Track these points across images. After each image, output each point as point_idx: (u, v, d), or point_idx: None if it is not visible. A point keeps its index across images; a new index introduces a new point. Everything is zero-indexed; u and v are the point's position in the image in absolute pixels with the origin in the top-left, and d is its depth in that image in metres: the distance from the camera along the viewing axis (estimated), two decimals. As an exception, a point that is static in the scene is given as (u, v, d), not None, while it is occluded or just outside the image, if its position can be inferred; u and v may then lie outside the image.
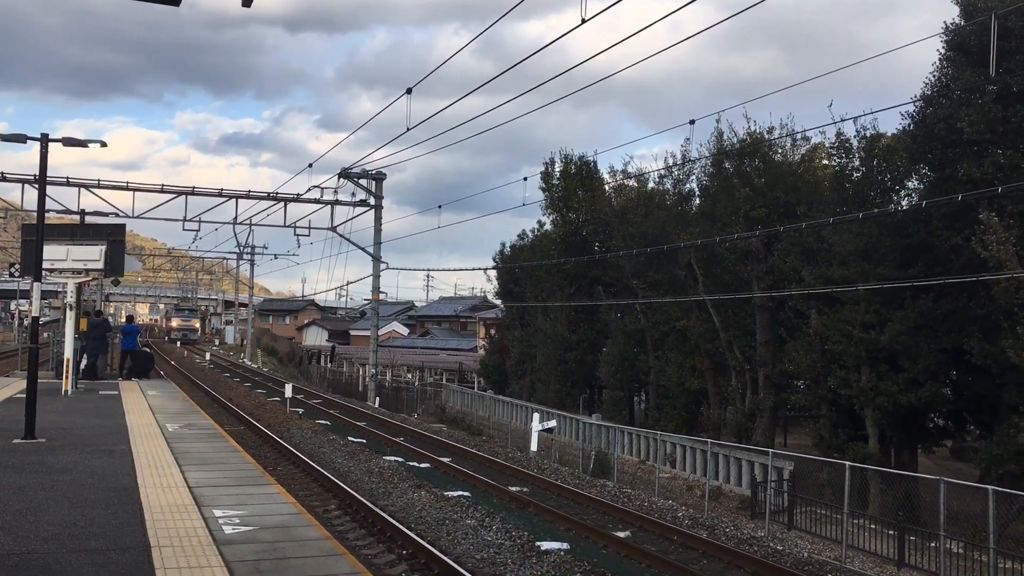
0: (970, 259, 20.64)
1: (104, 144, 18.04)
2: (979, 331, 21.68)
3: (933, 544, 14.89)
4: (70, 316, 23.34)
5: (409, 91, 21.68)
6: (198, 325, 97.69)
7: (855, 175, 25.56)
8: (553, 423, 27.54)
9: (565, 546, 13.36)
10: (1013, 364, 19.67)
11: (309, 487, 16.34)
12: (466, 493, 17.38)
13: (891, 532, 16.11)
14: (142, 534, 8.68)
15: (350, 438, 24.09)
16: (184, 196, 36.43)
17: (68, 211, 34.70)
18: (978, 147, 20.57)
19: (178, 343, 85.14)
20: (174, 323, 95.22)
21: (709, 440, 24.95)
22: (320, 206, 39.38)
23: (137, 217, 37.21)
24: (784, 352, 27.06)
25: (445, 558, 11.25)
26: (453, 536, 13.21)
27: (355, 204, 39.68)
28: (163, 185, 35.97)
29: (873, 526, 17.14)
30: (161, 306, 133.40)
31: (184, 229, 38.08)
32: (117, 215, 35.79)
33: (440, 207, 54.43)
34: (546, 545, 13.21)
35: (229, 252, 74.70)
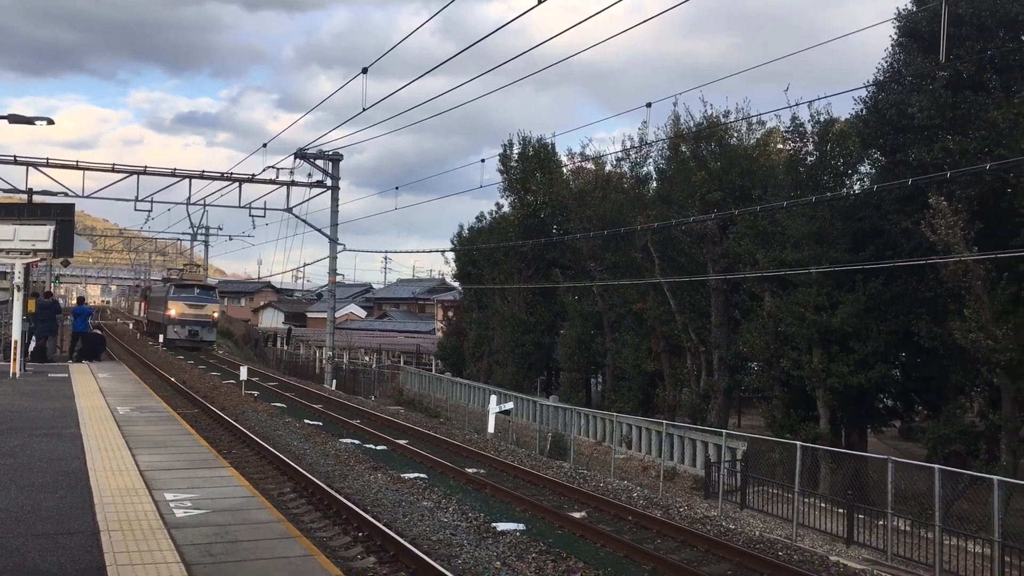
0: (919, 243, 20.99)
1: (51, 122, 17.66)
2: (927, 313, 22.10)
3: (881, 522, 15.21)
4: (18, 297, 22.87)
5: (365, 71, 21.45)
6: (216, 313, 51.35)
7: (809, 159, 25.85)
8: (510, 405, 27.63)
9: (521, 527, 13.43)
10: (959, 346, 20.09)
11: (263, 470, 16.22)
12: (423, 475, 17.38)
13: (841, 510, 16.43)
14: (91, 518, 8.57)
15: (306, 421, 23.94)
16: (136, 176, 35.81)
17: (16, 190, 33.97)
18: (928, 132, 20.88)
19: (172, 342, 48.10)
20: (173, 310, 48.83)
21: (664, 421, 25.21)
22: (276, 187, 38.96)
23: (88, 197, 36.50)
24: (738, 334, 27.38)
25: (401, 539, 11.23)
26: (409, 518, 13.20)
27: (311, 185, 39.30)
28: (114, 164, 35.33)
29: (823, 505, 17.46)
30: (137, 281, 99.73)
31: (136, 209, 37.47)
32: (67, 195, 35.04)
33: (398, 188, 54.18)
34: (502, 526, 13.26)
35: (183, 233, 73.27)
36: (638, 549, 12.53)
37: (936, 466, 14.78)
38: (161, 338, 50.61)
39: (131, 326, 76.58)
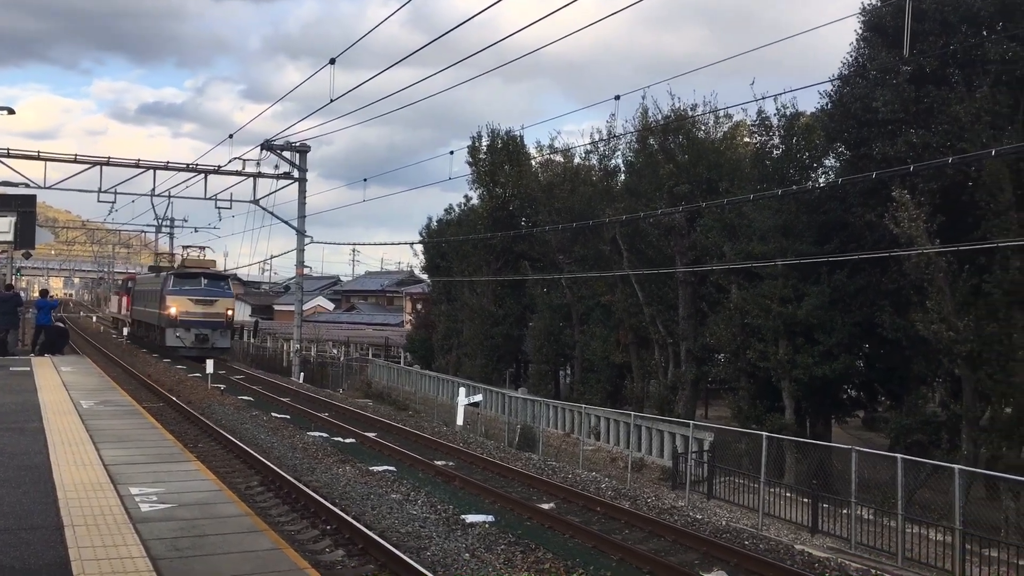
0: (883, 235, 21.24)
1: (11, 111, 17.39)
2: (890, 305, 22.39)
3: (845, 511, 15.43)
4: (-22, 290, 22.44)
5: (333, 61, 21.31)
6: (230, 311, 41.10)
7: (775, 153, 26.04)
8: (479, 397, 27.66)
9: (490, 518, 13.46)
10: (921, 337, 20.38)
11: (231, 464, 16.11)
12: (391, 468, 17.36)
13: (806, 500, 16.64)
14: (54, 513, 8.47)
15: (274, 414, 23.80)
16: (99, 167, 35.33)
17: (-25, 181, 33.32)
18: (892, 126, 21.12)
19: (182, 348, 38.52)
20: (173, 308, 38.48)
21: (632, 413, 25.36)
22: (242, 178, 38.62)
23: (50, 188, 36.01)
24: (705, 326, 27.58)
25: (369, 532, 11.23)
26: (378, 511, 13.19)
27: (278, 177, 39.00)
28: (77, 155, 34.84)
29: (789, 494, 17.66)
30: (123, 271, 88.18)
31: (99, 201, 37.06)
32: (28, 186, 34.50)
33: (366, 180, 53.89)
34: (471, 518, 13.29)
35: (147, 225, 72.41)
36: (606, 540, 12.62)
37: (899, 455, 15.01)
38: (167, 343, 38.40)
39: (100, 326, 74.19)
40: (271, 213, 39.81)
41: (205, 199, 39.61)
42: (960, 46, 19.91)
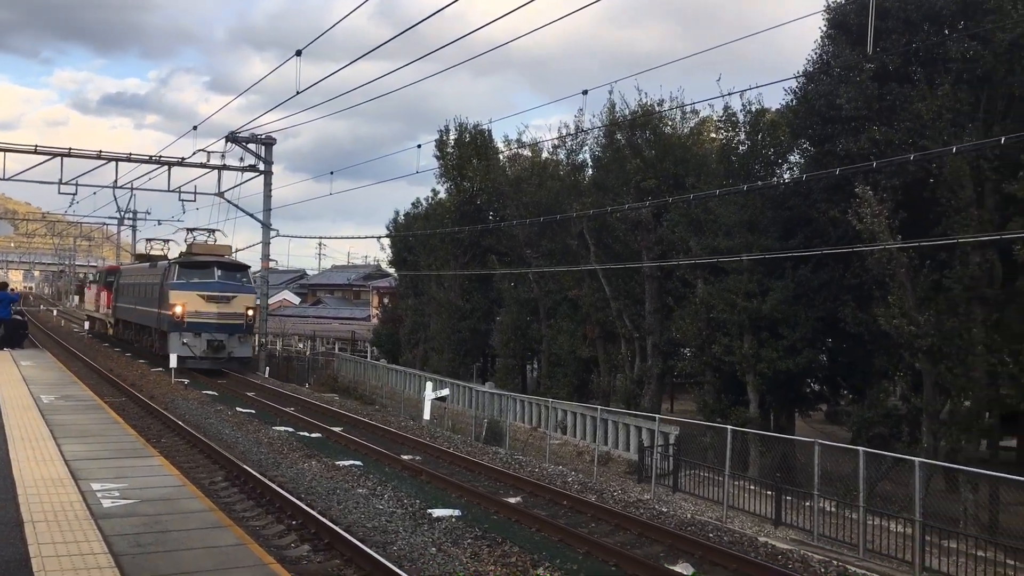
0: (846, 231, 21.47)
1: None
2: (853, 300, 22.66)
3: (808, 503, 15.59)
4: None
5: (299, 53, 21.12)
6: (251, 310, 33.95)
7: (741, 148, 26.23)
8: (446, 391, 27.61)
9: (457, 513, 13.47)
10: (883, 332, 20.64)
11: (195, 459, 15.97)
12: (358, 462, 17.31)
13: (769, 492, 16.79)
14: (14, 509, 8.34)
15: (238, 408, 23.61)
16: (60, 158, 34.77)
17: (-69, 172, 32.62)
18: (855, 123, 21.33)
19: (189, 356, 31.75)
20: (178, 306, 31.54)
21: (599, 407, 25.44)
22: (207, 171, 38.18)
23: (9, 179, 35.44)
24: (672, 320, 27.74)
25: (335, 527, 11.19)
26: (344, 505, 13.14)
27: (244, 169, 38.61)
28: (37, 146, 34.24)
29: (753, 487, 17.82)
30: (106, 257, 79.28)
31: (60, 193, 36.47)
32: (-14, 177, 33.80)
33: (332, 173, 53.44)
34: (438, 512, 13.29)
35: (109, 217, 71.35)
36: (573, 533, 12.67)
37: (860, 448, 15.19)
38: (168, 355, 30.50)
39: (62, 320, 72.31)
40: (236, 206, 39.41)
41: (169, 191, 39.17)
42: (922, 44, 20.16)
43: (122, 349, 39.48)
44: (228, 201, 39.05)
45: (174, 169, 37.57)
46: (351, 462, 17.12)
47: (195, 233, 37.35)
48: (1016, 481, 13.48)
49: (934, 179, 20.12)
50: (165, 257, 40.89)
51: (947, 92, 19.39)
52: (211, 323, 31.79)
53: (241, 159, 38.32)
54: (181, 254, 36.64)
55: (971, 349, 19.72)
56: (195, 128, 36.25)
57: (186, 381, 28.61)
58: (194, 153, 37.41)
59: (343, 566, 10.15)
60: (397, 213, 48.67)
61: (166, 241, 45.90)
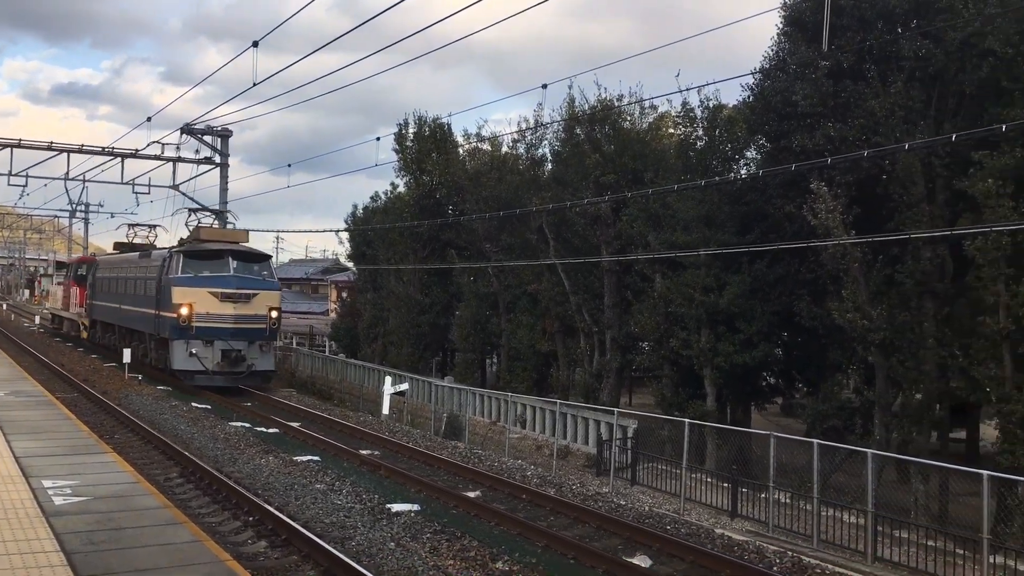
0: (801, 226, 21.73)
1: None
2: (808, 294, 22.96)
3: (763, 495, 15.79)
4: None
5: (255, 44, 20.87)
6: (275, 311, 27.88)
7: (698, 144, 26.42)
8: (405, 386, 27.50)
9: (416, 507, 13.45)
10: (837, 326, 20.95)
11: (149, 455, 15.76)
12: (316, 457, 17.20)
13: (726, 485, 16.97)
14: (-39, 508, 8.17)
15: (194, 404, 23.33)
16: (10, 149, 34.04)
17: None
18: (811, 119, 21.58)
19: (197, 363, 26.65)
20: (184, 307, 25.96)
21: (558, 401, 25.53)
22: (161, 163, 37.60)
23: (-45, 170, 34.51)
24: (630, 315, 27.91)
25: (292, 523, 11.12)
26: (302, 501, 13.07)
27: (199, 162, 38.08)
28: (-15, 137, 33.45)
29: (710, 480, 18.00)
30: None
31: (10, 184, 35.75)
32: (-68, 168, 32.94)
33: (290, 166, 53.00)
34: (397, 507, 13.26)
35: (60, 210, 69.88)
36: (531, 527, 12.71)
37: (815, 441, 15.41)
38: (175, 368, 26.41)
39: (12, 314, 70.85)
40: (191, 199, 38.80)
41: (122, 184, 38.48)
42: (876, 42, 20.47)
43: (74, 344, 38.72)
44: (183, 194, 38.48)
45: (128, 161, 36.96)
46: (309, 457, 17.01)
47: (199, 215, 30.91)
48: (965, 472, 13.77)
49: (887, 175, 20.43)
50: (154, 246, 35.73)
51: (900, 90, 19.71)
52: (226, 328, 25.80)
53: (197, 151, 37.81)
54: (183, 241, 29.69)
55: (922, 343, 20.11)
56: (149, 119, 35.66)
57: (140, 376, 28.19)
58: (148, 145, 36.83)
59: (301, 562, 10.09)
60: (356, 207, 48.39)
61: (152, 227, 39.62)
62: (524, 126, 35.60)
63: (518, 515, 13.51)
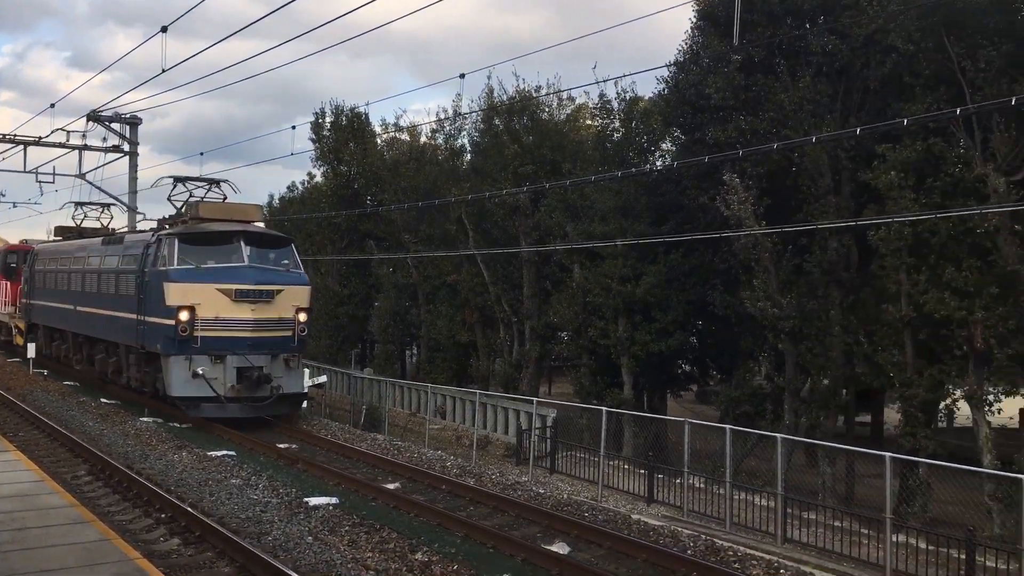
0: (715, 217, 22.23)
1: None
2: (721, 284, 23.51)
3: (679, 480, 16.11)
4: None
5: (164, 29, 20.32)
6: (303, 313, 20.71)
7: (615, 136, 26.77)
8: (323, 378, 27.14)
9: (334, 500, 13.34)
10: (749, 314, 21.52)
11: (55, 453, 15.28)
12: (231, 452, 16.91)
13: (642, 471, 17.27)
14: None
15: (103, 400, 22.64)
16: (-99, 136, 32.42)
17: None
18: (723, 112, 22.06)
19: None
20: (184, 308, 18.95)
21: (478, 391, 25.61)
22: (67, 151, 36.29)
23: None
24: (549, 305, 28.15)
25: (206, 519, 10.93)
26: (217, 497, 12.84)
27: (107, 150, 36.87)
28: None
29: (627, 467, 18.29)
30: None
31: (-98, 173, 33.82)
32: None
33: (203, 155, 51.78)
34: (314, 500, 13.13)
35: (-42, 199, 66.92)
36: (451, 517, 12.73)
37: (727, 426, 15.78)
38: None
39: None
40: (99, 188, 37.52)
41: (25, 172, 37.01)
42: (785, 37, 21.00)
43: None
44: (90, 183, 37.16)
45: (31, 149, 35.56)
46: (224, 452, 16.72)
47: (188, 185, 23.19)
48: (869, 454, 14.29)
49: (796, 168, 21.04)
50: (114, 230, 28.96)
51: (808, 84, 20.28)
52: (243, 337, 19.42)
53: (104, 139, 36.60)
54: (171, 220, 22.55)
55: (829, 330, 20.79)
56: (52, 106, 34.37)
57: (45, 372, 27.26)
58: (52, 132, 35.50)
59: (215, 559, 9.93)
60: (272, 197, 47.64)
61: (105, 207, 33.10)
62: (443, 116, 35.53)
63: (437, 506, 13.51)
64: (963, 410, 20.16)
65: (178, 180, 23.35)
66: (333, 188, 40.49)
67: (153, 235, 21.44)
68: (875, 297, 20.73)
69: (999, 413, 20.28)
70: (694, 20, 23.90)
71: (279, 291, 20.06)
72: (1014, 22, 17.48)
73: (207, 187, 23.37)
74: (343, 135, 40.91)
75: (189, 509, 11.25)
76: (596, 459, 17.62)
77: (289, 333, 20.31)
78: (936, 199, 18.04)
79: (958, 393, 19.48)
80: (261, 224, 22.93)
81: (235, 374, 19.22)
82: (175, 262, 19.72)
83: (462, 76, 21.06)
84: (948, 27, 17.71)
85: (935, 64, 18.28)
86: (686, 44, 24.28)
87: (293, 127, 43.81)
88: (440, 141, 36.19)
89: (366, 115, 41.54)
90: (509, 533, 12.15)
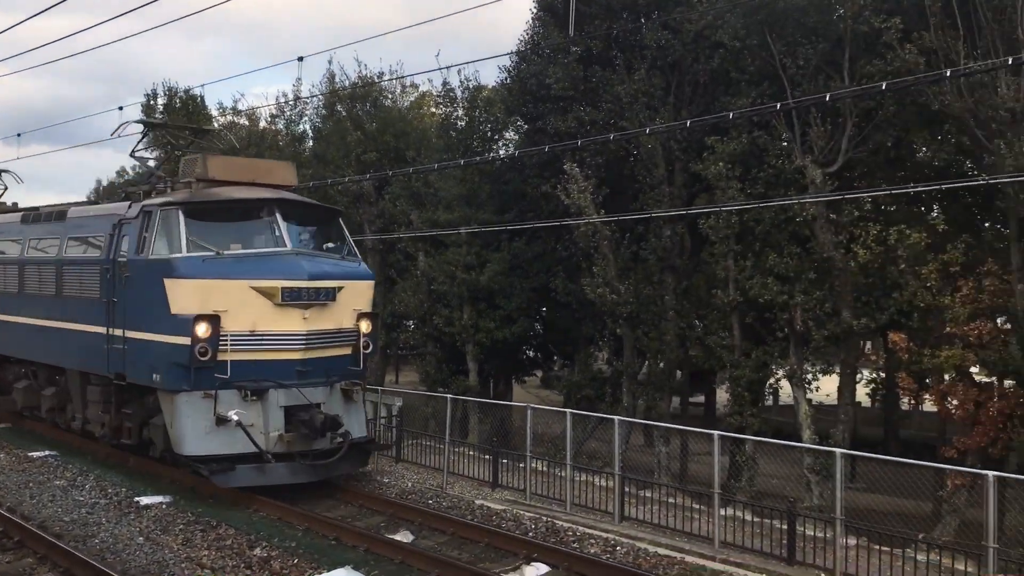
0: (557, 206, 22.69)
1: None
2: (563, 271, 24.03)
3: (522, 465, 16.40)
4: None
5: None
6: (367, 321, 13.89)
7: (459, 124, 26.84)
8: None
9: (167, 499, 12.86)
10: (590, 300, 22.10)
11: None
12: (54, 452, 16.00)
13: (487, 457, 17.47)
14: None
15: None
16: None
17: None
18: (564, 103, 22.53)
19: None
20: (203, 322, 12.17)
21: (322, 381, 25.20)
22: None
23: None
24: (394, 293, 28.00)
25: (26, 524, 10.34)
26: (39, 499, 12.18)
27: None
28: None
29: (472, 453, 18.45)
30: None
31: None
32: None
33: (20, 136, 48.50)
34: (146, 500, 12.63)
35: None
36: (292, 511, 12.50)
37: (568, 411, 16.17)
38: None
39: None
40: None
41: None
42: (621, 31, 21.62)
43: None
44: None
45: None
46: (47, 452, 15.80)
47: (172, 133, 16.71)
48: (700, 433, 15.00)
49: (632, 158, 21.75)
50: (36, 207, 19.20)
51: (643, 77, 20.97)
52: (294, 360, 13.12)
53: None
54: (167, 183, 15.87)
55: (663, 315, 21.66)
56: None
57: None
58: None
59: (36, 564, 9.42)
60: (99, 182, 45.19)
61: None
62: (283, 101, 34.63)
63: (278, 500, 13.24)
64: (786, 389, 21.42)
65: (149, 126, 18.24)
66: (167, 174, 38.78)
67: (130, 205, 14.47)
68: (706, 283, 21.75)
69: (817, 391, 21.72)
70: (534, 11, 24.25)
71: (337, 288, 13.46)
72: (830, 22, 18.66)
73: (190, 139, 17.24)
74: (177, 118, 39.22)
75: (6, 513, 10.60)
76: (442, 447, 17.69)
77: (349, 351, 14.02)
78: (760, 189, 19.07)
79: (781, 373, 20.70)
80: (293, 192, 15.62)
81: (282, 417, 12.91)
82: (182, 246, 12.83)
83: (300, 59, 20.61)
84: (770, 26, 18.72)
85: (759, 60, 19.29)
86: (527, 35, 24.62)
87: (120, 108, 41.62)
88: (281, 126, 35.30)
89: (202, 97, 39.97)
90: (352, 525, 12.06)
